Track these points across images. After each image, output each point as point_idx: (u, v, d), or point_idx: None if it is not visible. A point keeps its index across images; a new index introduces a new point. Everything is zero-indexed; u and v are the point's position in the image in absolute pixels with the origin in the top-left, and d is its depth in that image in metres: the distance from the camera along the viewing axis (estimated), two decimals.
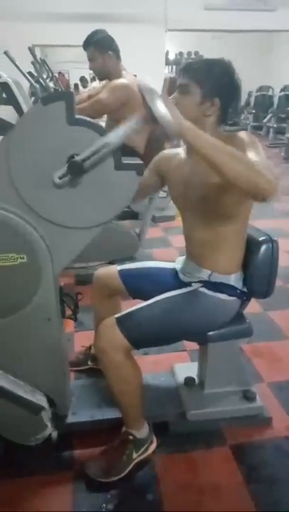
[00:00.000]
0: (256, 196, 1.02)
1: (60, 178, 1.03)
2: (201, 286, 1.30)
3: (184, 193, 1.30)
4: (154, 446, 1.37)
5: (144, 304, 1.28)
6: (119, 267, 1.50)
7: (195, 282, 1.32)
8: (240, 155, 1.02)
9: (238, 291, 1.32)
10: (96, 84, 9.52)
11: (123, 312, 1.28)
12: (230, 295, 1.30)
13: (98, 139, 1.00)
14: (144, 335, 1.25)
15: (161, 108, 0.96)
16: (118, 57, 2.36)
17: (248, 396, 1.51)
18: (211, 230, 1.25)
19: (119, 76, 2.34)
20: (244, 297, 1.37)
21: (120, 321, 1.23)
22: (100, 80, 2.48)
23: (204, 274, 1.30)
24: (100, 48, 2.30)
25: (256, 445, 1.44)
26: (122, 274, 1.48)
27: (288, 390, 1.69)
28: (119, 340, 1.20)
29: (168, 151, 1.41)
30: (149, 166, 1.44)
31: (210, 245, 1.28)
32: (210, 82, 1.16)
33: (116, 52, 2.34)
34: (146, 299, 1.31)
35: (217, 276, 1.29)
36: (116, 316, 1.25)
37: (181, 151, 1.36)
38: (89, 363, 1.75)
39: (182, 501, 1.25)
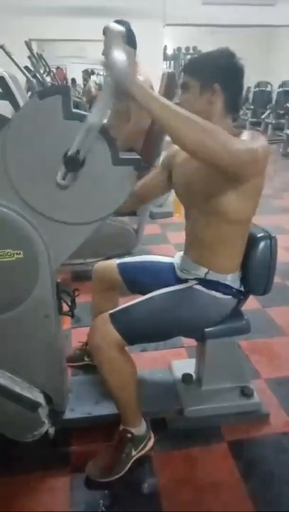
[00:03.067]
0: (218, 167, 1.02)
1: (63, 178, 1.02)
2: (197, 284, 1.29)
3: (188, 191, 1.28)
4: (152, 442, 1.37)
5: (138, 300, 1.28)
6: (118, 261, 1.50)
7: (191, 279, 1.32)
8: (198, 119, 0.96)
9: (234, 290, 1.31)
10: (93, 77, 9.46)
11: (117, 308, 1.27)
12: (225, 293, 1.30)
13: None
14: (138, 331, 1.25)
15: (117, 55, 0.90)
16: (136, 48, 2.30)
17: (245, 392, 1.51)
18: (212, 230, 1.24)
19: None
20: (240, 296, 1.36)
21: (114, 317, 1.22)
22: None
23: (201, 272, 1.29)
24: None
25: (254, 441, 1.44)
26: (121, 267, 1.48)
27: (286, 386, 1.70)
28: (113, 336, 1.20)
29: (175, 147, 1.39)
30: (160, 166, 1.44)
31: (210, 245, 1.27)
32: (205, 71, 1.15)
33: (133, 43, 2.29)
34: (144, 293, 1.31)
35: (213, 275, 1.28)
36: (110, 312, 1.25)
37: None
38: (85, 358, 1.75)
39: (180, 497, 1.25)
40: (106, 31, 0.93)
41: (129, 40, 2.26)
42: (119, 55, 0.91)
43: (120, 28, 0.91)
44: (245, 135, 1.13)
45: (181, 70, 1.20)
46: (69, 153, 0.99)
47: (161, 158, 1.45)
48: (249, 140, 1.09)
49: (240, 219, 1.21)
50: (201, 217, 1.26)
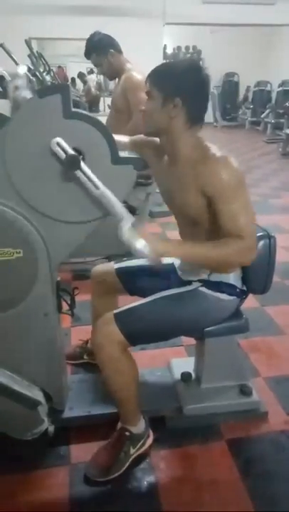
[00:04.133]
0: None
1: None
2: (201, 286, 1.29)
3: (170, 200, 1.30)
4: (150, 440, 1.37)
5: (143, 301, 1.28)
6: (116, 265, 1.49)
7: (195, 281, 1.32)
8: (216, 254, 1.13)
9: (238, 289, 1.32)
10: (93, 76, 9.42)
11: (122, 308, 1.27)
12: (230, 294, 1.30)
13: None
14: (142, 332, 1.25)
15: (139, 247, 1.07)
16: (120, 52, 2.34)
17: (244, 391, 1.51)
18: (199, 238, 1.23)
19: (125, 69, 2.32)
20: (243, 296, 1.36)
21: (118, 317, 1.23)
22: (111, 79, 2.46)
23: (203, 274, 1.30)
24: (101, 51, 2.29)
25: (252, 439, 1.45)
26: (119, 272, 1.47)
27: (285, 385, 1.70)
28: (116, 335, 1.20)
29: (158, 143, 1.31)
30: (133, 138, 1.39)
31: None
32: (168, 84, 1.12)
33: (117, 48, 2.32)
34: (144, 296, 1.31)
35: (216, 276, 1.28)
36: (114, 312, 1.25)
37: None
38: (85, 357, 1.75)
39: (179, 495, 1.25)
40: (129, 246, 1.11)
41: (106, 45, 2.26)
42: (141, 248, 1.07)
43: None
44: (222, 165, 1.09)
45: (146, 79, 1.18)
46: (68, 153, 0.99)
47: (135, 138, 1.39)
48: (241, 210, 1.11)
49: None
50: (185, 226, 1.28)
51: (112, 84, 7.78)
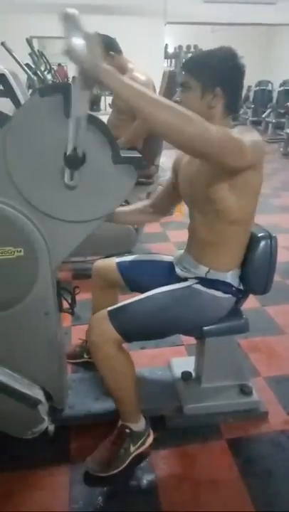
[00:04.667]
0: (188, 151, 1.02)
1: (70, 178, 1.02)
2: (197, 283, 1.30)
3: (190, 191, 1.29)
4: (151, 439, 1.38)
5: (137, 298, 1.28)
6: (117, 259, 1.50)
7: (191, 278, 1.32)
8: (168, 102, 0.92)
9: (234, 288, 1.31)
10: None
11: (115, 306, 1.27)
12: (225, 292, 1.30)
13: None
14: (135, 329, 1.25)
15: (74, 40, 0.84)
16: (120, 52, 2.33)
17: (244, 390, 1.51)
18: (214, 230, 1.25)
19: (126, 68, 2.32)
20: (239, 295, 1.36)
21: (112, 314, 1.23)
22: None
23: (201, 271, 1.30)
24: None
25: (252, 439, 1.45)
26: (120, 266, 1.48)
27: (285, 385, 1.70)
28: (110, 333, 1.20)
29: None
30: (172, 172, 1.45)
31: (212, 244, 1.27)
32: (207, 74, 1.12)
33: (116, 49, 2.31)
34: (143, 292, 1.31)
35: (214, 274, 1.29)
36: (108, 309, 1.25)
37: None
38: (85, 356, 1.76)
39: (179, 494, 1.25)
40: (62, 18, 0.86)
41: (106, 47, 2.26)
42: (76, 41, 0.84)
43: (74, 10, 0.85)
44: (236, 130, 1.13)
45: (181, 68, 1.19)
46: (67, 152, 0.99)
47: (171, 163, 1.44)
48: (236, 132, 1.08)
49: (239, 219, 1.21)
50: (202, 217, 1.27)
51: None
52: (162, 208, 1.54)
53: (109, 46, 2.28)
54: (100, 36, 2.31)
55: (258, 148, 1.10)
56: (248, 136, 1.08)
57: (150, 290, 1.30)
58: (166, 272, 1.43)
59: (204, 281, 1.29)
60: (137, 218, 1.65)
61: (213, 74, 1.13)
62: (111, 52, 2.28)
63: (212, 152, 0.99)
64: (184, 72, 1.17)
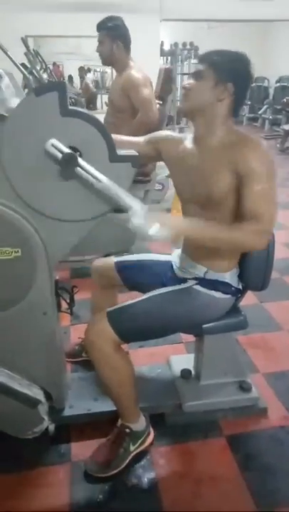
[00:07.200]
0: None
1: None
2: (196, 284, 1.29)
3: (189, 186, 1.26)
4: (151, 438, 1.38)
5: (136, 299, 1.28)
6: (115, 259, 1.50)
7: (190, 279, 1.31)
8: (227, 237, 1.12)
9: (233, 288, 1.31)
10: (90, 75, 9.39)
11: (115, 307, 1.27)
12: (224, 293, 1.30)
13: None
14: (133, 330, 1.25)
15: (152, 233, 1.04)
16: (128, 49, 2.32)
17: (243, 387, 1.52)
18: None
19: (126, 65, 2.31)
20: (238, 294, 1.36)
21: (111, 315, 1.23)
22: (104, 64, 2.43)
23: (200, 271, 1.29)
24: (112, 34, 2.26)
25: (252, 435, 1.46)
26: (118, 265, 1.48)
27: (283, 381, 1.71)
28: (108, 333, 1.20)
29: (172, 135, 1.37)
30: (146, 137, 1.40)
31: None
32: (224, 66, 1.14)
33: (126, 43, 2.30)
34: (142, 291, 1.31)
35: (213, 274, 1.28)
36: (107, 310, 1.25)
37: (187, 138, 1.29)
38: (83, 354, 1.76)
39: (179, 491, 1.26)
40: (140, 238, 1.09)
41: (119, 34, 2.26)
42: (154, 232, 1.04)
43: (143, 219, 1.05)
44: (261, 152, 1.12)
45: (198, 58, 1.20)
46: (64, 152, 0.99)
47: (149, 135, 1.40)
48: (267, 198, 1.11)
49: (238, 219, 1.19)
50: (199, 215, 1.25)
51: (109, 82, 7.72)
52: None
53: (121, 36, 2.26)
54: (121, 22, 2.28)
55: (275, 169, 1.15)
56: (273, 173, 1.13)
57: (148, 289, 1.30)
58: (165, 272, 1.43)
59: (203, 281, 1.29)
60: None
61: (231, 69, 1.14)
62: (119, 42, 2.26)
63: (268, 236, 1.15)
64: (199, 63, 1.17)
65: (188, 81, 1.19)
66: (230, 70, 1.14)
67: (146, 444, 1.36)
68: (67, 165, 1.00)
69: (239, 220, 1.20)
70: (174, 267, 1.42)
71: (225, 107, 1.17)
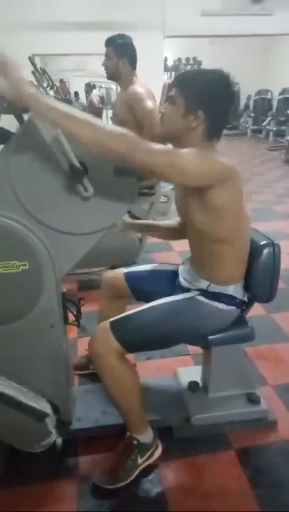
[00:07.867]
0: (119, 161, 0.99)
1: (85, 190, 1.05)
2: (199, 294, 1.29)
3: (180, 211, 1.32)
4: (159, 451, 1.37)
5: (139, 308, 1.28)
6: (125, 270, 1.52)
7: (193, 290, 1.32)
8: (94, 120, 0.94)
9: (238, 300, 1.31)
10: (96, 91, 9.62)
11: (118, 316, 1.27)
12: (228, 304, 1.29)
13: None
14: (137, 339, 1.25)
15: None
16: (133, 67, 2.39)
17: (252, 399, 1.50)
18: (204, 248, 1.24)
19: (130, 81, 2.37)
20: (243, 306, 1.35)
21: (114, 325, 1.23)
22: (108, 79, 2.50)
23: (203, 284, 1.29)
24: (119, 51, 2.33)
25: (261, 448, 1.43)
26: (127, 276, 1.50)
27: None
28: (112, 343, 1.20)
29: None
30: None
31: (207, 260, 1.27)
32: (194, 94, 1.10)
33: (132, 61, 2.37)
34: (149, 301, 1.31)
35: (215, 287, 1.28)
36: (110, 319, 1.26)
37: None
38: (90, 367, 1.75)
39: (188, 506, 1.24)
40: None
41: (126, 52, 2.33)
42: None
43: None
44: (195, 151, 1.06)
45: (173, 81, 1.18)
46: (73, 164, 1.01)
47: None
48: (187, 153, 1.04)
49: (226, 238, 1.19)
50: (193, 236, 1.27)
51: (114, 97, 7.85)
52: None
53: (128, 54, 2.33)
54: (129, 41, 2.33)
55: (212, 169, 1.07)
56: (204, 157, 1.05)
57: (156, 299, 1.30)
58: (171, 282, 1.44)
59: (206, 293, 1.29)
60: (164, 233, 1.61)
61: (199, 95, 1.10)
62: (125, 59, 2.32)
63: (145, 166, 0.99)
64: (174, 85, 1.15)
65: (164, 104, 1.19)
66: (202, 96, 1.09)
67: (155, 457, 1.35)
68: (81, 175, 1.02)
69: (227, 244, 1.20)
70: (180, 276, 1.42)
71: (199, 134, 1.14)
